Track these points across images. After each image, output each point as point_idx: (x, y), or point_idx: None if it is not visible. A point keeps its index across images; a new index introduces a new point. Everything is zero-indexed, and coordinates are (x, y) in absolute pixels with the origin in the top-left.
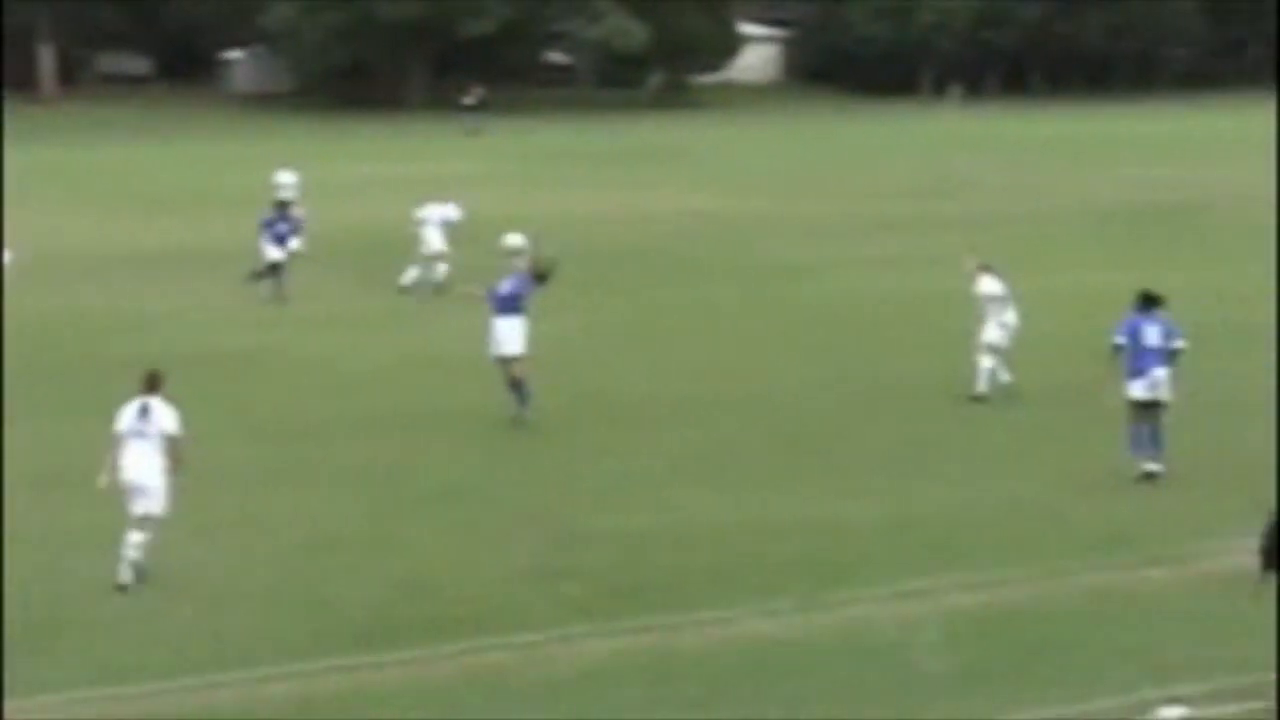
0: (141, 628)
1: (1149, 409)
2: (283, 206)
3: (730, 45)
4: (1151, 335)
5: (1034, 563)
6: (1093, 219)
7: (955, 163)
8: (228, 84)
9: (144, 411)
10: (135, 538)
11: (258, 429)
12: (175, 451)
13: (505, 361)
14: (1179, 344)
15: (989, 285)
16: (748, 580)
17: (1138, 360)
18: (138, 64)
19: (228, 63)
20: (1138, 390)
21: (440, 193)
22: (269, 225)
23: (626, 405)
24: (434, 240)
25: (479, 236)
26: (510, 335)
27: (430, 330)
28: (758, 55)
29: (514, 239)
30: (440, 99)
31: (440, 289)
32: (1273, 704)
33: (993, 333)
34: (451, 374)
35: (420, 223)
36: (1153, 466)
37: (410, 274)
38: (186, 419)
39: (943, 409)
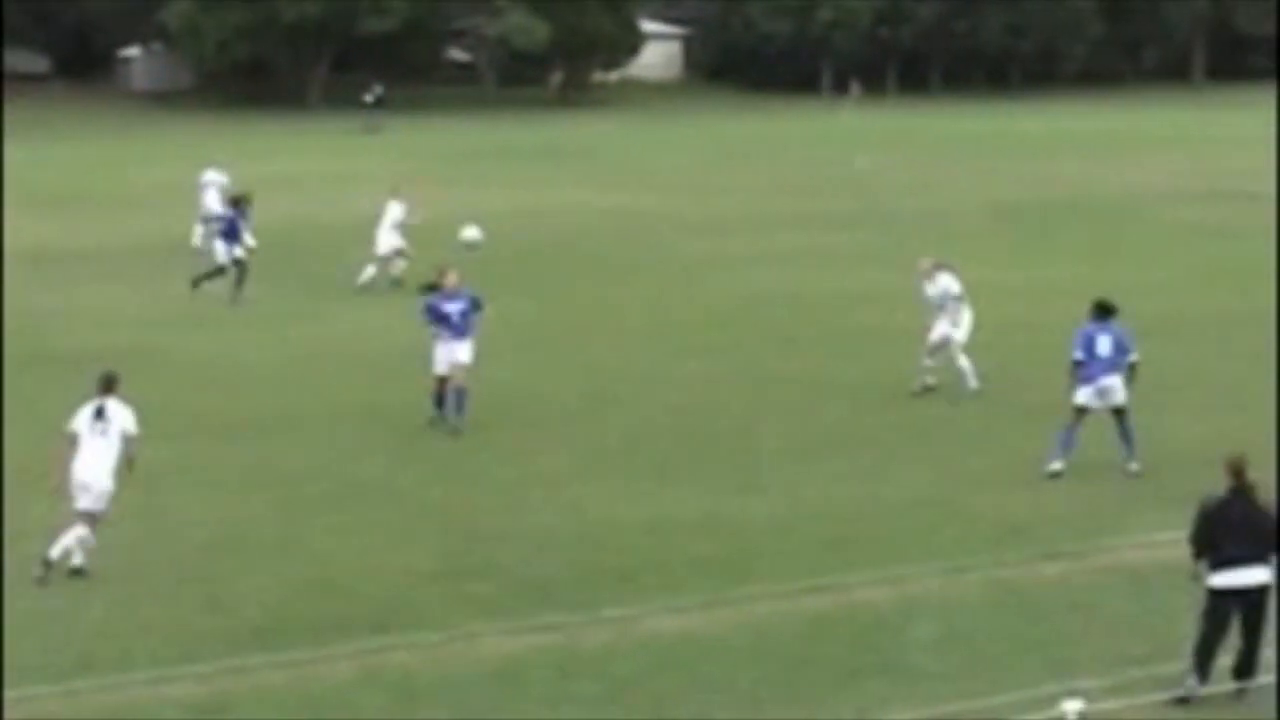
0: (47, 628)
1: (1114, 413)
2: (238, 203)
3: (631, 43)
4: (1104, 346)
5: (935, 557)
6: (993, 215)
7: (856, 160)
8: (126, 82)
9: (100, 413)
10: (81, 531)
11: (160, 427)
12: (130, 451)
13: (454, 371)
14: (1134, 358)
15: (948, 283)
16: (652, 578)
17: (1089, 368)
18: (35, 62)
19: (126, 60)
20: (1083, 396)
21: (345, 191)
22: (229, 225)
23: (532, 403)
24: (383, 240)
25: (368, 237)
26: (463, 351)
27: (334, 328)
28: (659, 53)
29: (471, 232)
30: (340, 96)
31: (363, 288)
32: (1172, 696)
33: (958, 332)
34: (356, 372)
35: (378, 223)
36: (1130, 465)
37: (396, 264)
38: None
39: (844, 405)
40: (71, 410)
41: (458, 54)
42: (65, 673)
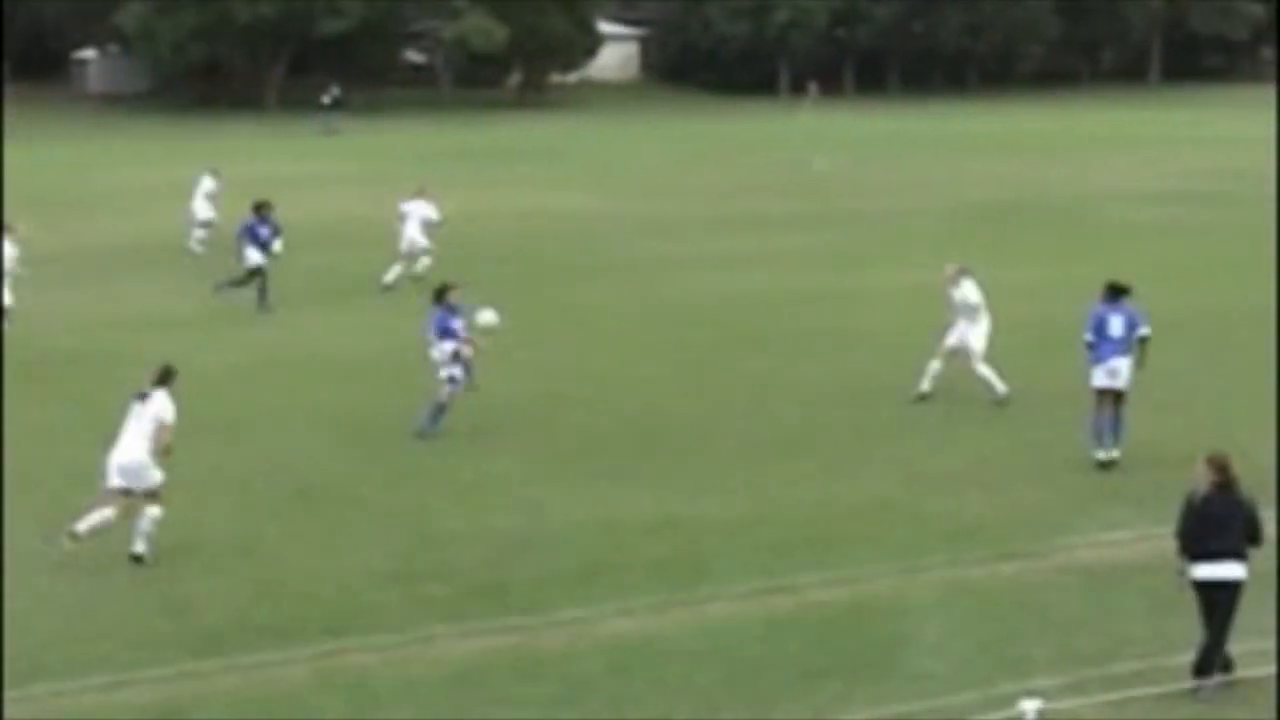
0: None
1: (1110, 397)
2: (261, 209)
3: (589, 44)
4: (1116, 326)
5: (890, 558)
6: (952, 216)
7: (815, 161)
8: (82, 84)
9: (143, 398)
10: (108, 512)
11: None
12: (160, 437)
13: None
14: (1144, 331)
15: (968, 291)
16: (609, 579)
17: (1101, 350)
18: None
19: (82, 62)
20: (1098, 378)
21: (305, 194)
22: (250, 230)
23: (489, 405)
24: (416, 237)
25: (336, 236)
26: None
27: (286, 331)
28: (616, 54)
29: (487, 316)
30: (297, 99)
31: (418, 279)
32: (1127, 695)
33: (976, 341)
34: (308, 375)
35: (402, 218)
36: (1111, 454)
37: (393, 271)
38: (40, 420)
39: (799, 406)
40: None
41: (415, 56)
42: (20, 677)
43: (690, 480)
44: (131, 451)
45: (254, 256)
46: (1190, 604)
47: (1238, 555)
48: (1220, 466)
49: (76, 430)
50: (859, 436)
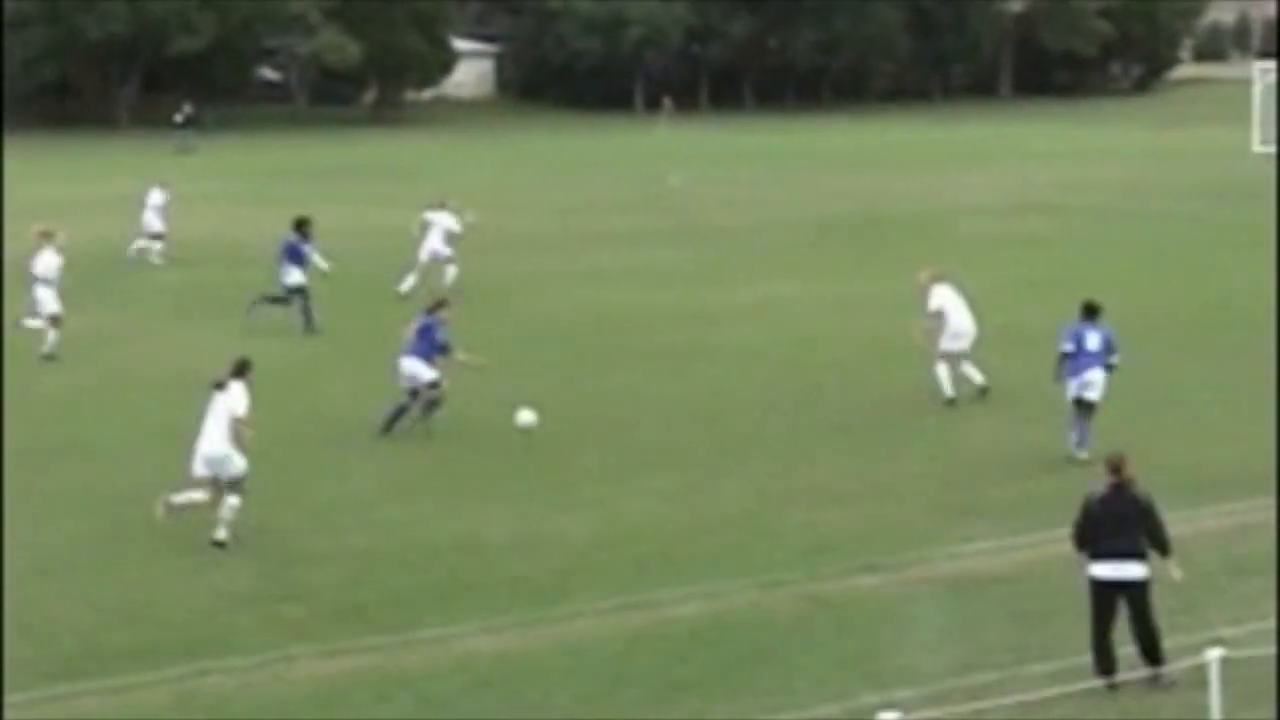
0: None
1: (1084, 406)
2: (302, 226)
3: (444, 61)
4: (1092, 341)
5: (749, 573)
6: (806, 231)
7: (670, 176)
8: None
9: (219, 386)
10: (197, 495)
11: None
12: (236, 429)
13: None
14: (1115, 359)
15: (942, 293)
16: (469, 598)
17: (1077, 362)
18: None
19: None
20: (1074, 389)
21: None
22: (292, 248)
23: (344, 425)
24: (439, 248)
25: (196, 254)
26: (424, 370)
27: (137, 350)
28: (471, 71)
29: (527, 418)
30: (151, 117)
31: (454, 290)
32: (988, 705)
33: (947, 342)
34: (160, 395)
35: (423, 227)
36: (1080, 455)
37: (408, 281)
38: None
39: (658, 422)
40: None
41: (269, 73)
42: None
43: (550, 497)
44: (214, 442)
45: (295, 275)
46: (1050, 613)
47: (1137, 555)
48: (1115, 466)
49: None
50: (718, 452)
